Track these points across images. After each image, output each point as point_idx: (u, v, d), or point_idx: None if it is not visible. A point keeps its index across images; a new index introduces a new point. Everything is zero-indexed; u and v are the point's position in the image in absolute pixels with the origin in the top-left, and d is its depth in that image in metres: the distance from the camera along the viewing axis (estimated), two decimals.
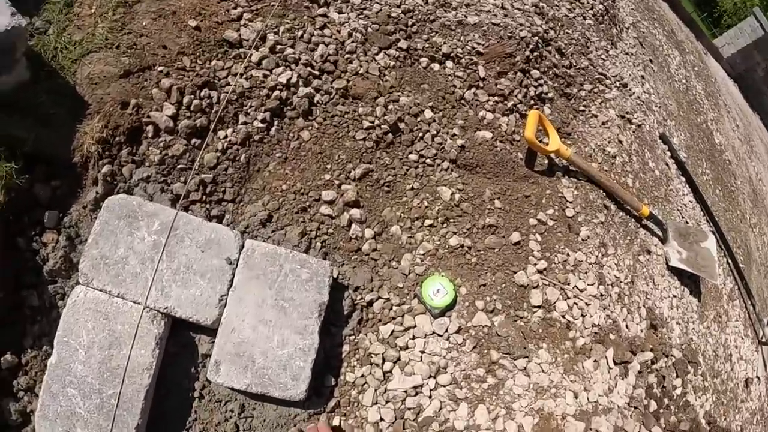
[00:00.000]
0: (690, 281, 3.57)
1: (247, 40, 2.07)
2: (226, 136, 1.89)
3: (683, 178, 4.20)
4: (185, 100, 1.82)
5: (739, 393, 3.76)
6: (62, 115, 1.64)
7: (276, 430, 1.64)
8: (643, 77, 4.38)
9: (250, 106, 1.97)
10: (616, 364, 2.39)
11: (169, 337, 1.56)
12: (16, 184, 1.53)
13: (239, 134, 1.91)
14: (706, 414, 3.07)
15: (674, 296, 3.32)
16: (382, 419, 1.78)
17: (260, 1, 2.23)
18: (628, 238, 3.02)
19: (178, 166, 1.77)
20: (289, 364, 1.56)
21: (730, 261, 4.45)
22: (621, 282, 2.77)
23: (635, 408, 2.36)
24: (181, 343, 1.60)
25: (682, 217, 3.82)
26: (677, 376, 3.01)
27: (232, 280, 1.59)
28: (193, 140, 1.81)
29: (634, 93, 3.99)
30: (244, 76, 1.99)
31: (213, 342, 1.57)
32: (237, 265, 1.61)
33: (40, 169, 1.61)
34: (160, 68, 1.82)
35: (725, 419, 3.36)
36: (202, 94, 1.87)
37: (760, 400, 4.11)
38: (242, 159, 1.91)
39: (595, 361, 2.26)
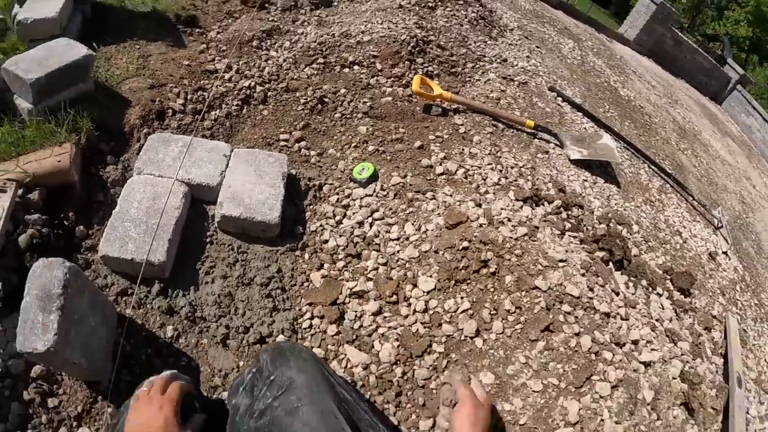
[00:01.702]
0: (603, 174, 4.20)
1: (220, 69, 3.44)
2: (215, 114, 3.17)
3: (580, 114, 5.21)
4: (189, 97, 3.14)
5: (704, 262, 4.14)
6: (115, 107, 2.92)
7: (264, 260, 2.59)
8: (528, 57, 5.54)
9: (228, 99, 3.29)
10: (518, 200, 3.04)
11: (190, 208, 2.59)
12: (92, 136, 2.68)
13: (223, 112, 3.21)
14: (659, 266, 3.45)
15: (585, 180, 3.92)
16: (338, 245, 2.75)
17: (224, 51, 3.64)
18: (522, 143, 3.99)
19: (189, 129, 3.02)
20: (266, 201, 2.60)
21: (652, 166, 5.11)
22: (520, 166, 3.51)
23: (545, 220, 2.88)
24: (197, 212, 2.64)
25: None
26: (600, 224, 3.45)
27: (227, 164, 2.71)
28: (196, 116, 3.09)
29: (517, 65, 5.15)
30: (222, 86, 3.31)
31: (216, 205, 2.62)
32: (230, 157, 2.76)
33: (104, 134, 2.77)
34: (171, 84, 3.16)
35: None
36: (198, 94, 3.21)
37: (737, 272, 4.48)
38: (227, 125, 3.18)
39: (497, 199, 3.06)
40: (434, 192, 3.03)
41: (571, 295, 2.57)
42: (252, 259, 2.61)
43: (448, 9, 5.12)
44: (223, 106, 3.28)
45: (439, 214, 2.88)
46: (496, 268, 2.58)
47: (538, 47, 6.04)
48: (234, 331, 2.41)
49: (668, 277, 3.45)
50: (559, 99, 5.11)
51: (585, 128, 4.91)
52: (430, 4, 5.00)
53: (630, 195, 4.42)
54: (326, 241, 2.79)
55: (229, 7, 4.33)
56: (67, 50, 2.83)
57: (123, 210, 2.45)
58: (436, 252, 2.67)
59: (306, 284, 2.61)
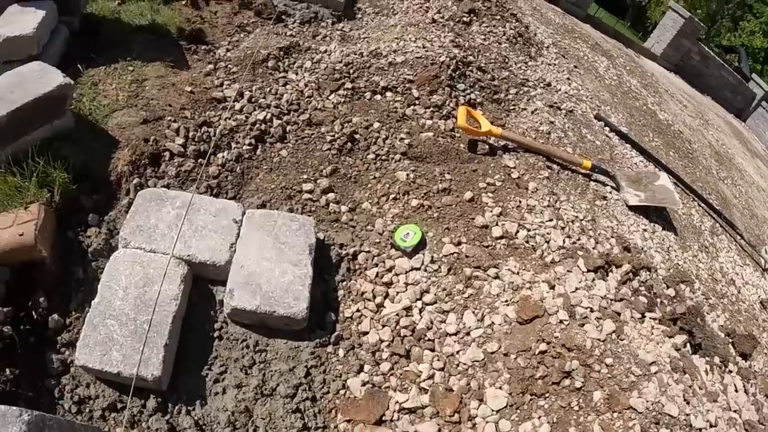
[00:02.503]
0: (659, 219, 3.87)
1: (230, 97, 2.83)
2: (223, 156, 2.56)
3: (628, 146, 4.72)
4: (190, 134, 2.53)
5: (757, 313, 3.86)
6: (99, 148, 2.34)
7: (288, 361, 2.04)
8: (569, 79, 5.07)
9: (239, 136, 2.68)
10: (589, 271, 2.65)
11: (192, 290, 2.04)
12: (68, 190, 2.11)
13: (232, 154, 2.59)
14: (721, 327, 3.21)
15: (644, 230, 3.60)
16: (381, 340, 2.18)
17: (235, 73, 3.03)
18: (579, 189, 3.50)
19: (190, 178, 2.42)
20: (290, 288, 2.03)
21: (701, 204, 4.72)
22: (580, 219, 3.12)
23: (622, 300, 2.59)
24: (202, 295, 2.07)
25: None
26: (668, 288, 3.15)
27: (238, 234, 2.13)
28: (200, 160, 2.48)
29: (560, 90, 4.65)
30: (231, 119, 2.71)
31: (225, 291, 2.05)
32: (241, 224, 2.17)
33: (84, 185, 2.20)
34: (168, 118, 2.56)
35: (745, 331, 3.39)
36: (202, 130, 2.59)
37: None
38: (237, 170, 2.57)
39: (568, 270, 2.61)
40: (497, 267, 2.46)
41: (670, 415, 2.09)
42: (273, 359, 2.03)
43: (484, 25, 4.55)
44: (233, 145, 2.68)
45: (506, 301, 2.30)
46: (582, 381, 2.01)
47: (576, 67, 5.53)
48: None
49: (731, 340, 3.16)
50: (606, 129, 4.64)
51: (635, 163, 4.47)
52: (465, 19, 4.43)
53: (686, 243, 4.01)
54: (365, 333, 2.20)
55: (240, 19, 3.72)
56: (40, 77, 2.26)
57: (105, 301, 1.89)
58: (506, 355, 2.10)
59: (343, 392, 2.03)
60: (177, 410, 1.87)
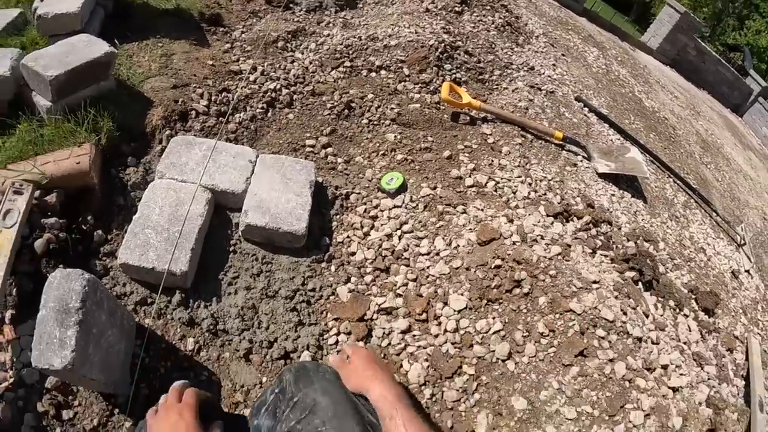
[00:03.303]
0: (630, 189, 4.14)
1: (245, 70, 3.35)
2: (240, 116, 3.07)
3: (606, 125, 5.09)
4: (212, 98, 3.04)
5: (726, 281, 4.07)
6: (137, 107, 2.82)
7: (289, 272, 2.49)
8: (554, 65, 5.45)
9: (253, 101, 3.19)
10: (548, 216, 2.96)
11: (213, 215, 2.49)
12: (112, 137, 2.56)
13: (248, 115, 3.11)
14: (685, 284, 3.42)
15: (612, 195, 3.85)
16: (366, 258, 2.65)
17: (249, 51, 3.54)
18: (551, 156, 3.90)
19: (212, 132, 2.93)
20: (292, 211, 2.50)
21: (677, 181, 5.01)
22: (549, 179, 3.45)
23: (577, 238, 2.93)
24: (221, 220, 2.54)
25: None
26: (628, 241, 3.38)
27: (252, 171, 2.61)
28: (220, 118, 2.99)
29: (543, 74, 5.05)
30: (246, 87, 3.22)
31: (241, 213, 2.51)
32: (255, 164, 2.65)
33: (124, 135, 2.65)
34: (194, 84, 3.07)
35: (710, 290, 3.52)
36: (222, 95, 3.11)
37: (759, 291, 4.39)
38: (252, 128, 3.09)
39: (528, 214, 2.96)
40: (465, 205, 2.93)
41: (606, 319, 2.49)
42: (276, 270, 2.52)
43: (475, 14, 5.02)
44: (248, 108, 3.19)
45: (470, 229, 2.77)
46: (529, 289, 2.47)
47: (563, 55, 5.92)
48: (257, 345, 2.32)
49: (693, 296, 3.40)
50: (586, 109, 5.02)
51: (612, 140, 4.82)
52: (457, 9, 4.90)
53: (656, 210, 4.36)
54: (354, 254, 2.69)
55: (253, 6, 4.24)
56: (89, 47, 2.73)
57: (144, 216, 2.36)
58: (467, 269, 2.57)
59: (332, 298, 2.52)
60: (196, 305, 2.29)
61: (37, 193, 2.26)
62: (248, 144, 3.05)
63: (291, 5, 4.35)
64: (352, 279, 2.59)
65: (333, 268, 2.61)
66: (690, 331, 3.03)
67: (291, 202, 2.56)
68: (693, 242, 4.27)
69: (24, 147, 2.42)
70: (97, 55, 2.68)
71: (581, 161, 4.13)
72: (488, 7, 5.25)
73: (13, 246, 2.03)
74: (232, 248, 2.52)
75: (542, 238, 2.75)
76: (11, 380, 1.88)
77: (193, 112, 2.98)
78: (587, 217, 3.29)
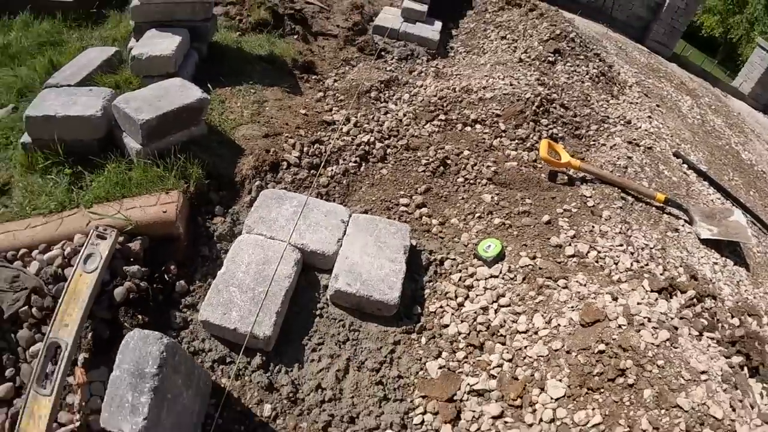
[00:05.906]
0: (732, 255, 3.83)
1: (338, 121, 3.35)
2: (332, 170, 3.06)
3: (706, 183, 4.72)
4: (304, 149, 3.05)
5: None
6: (227, 154, 2.83)
7: (377, 342, 2.38)
8: (650, 117, 5.18)
9: (346, 154, 3.17)
10: (653, 291, 2.76)
11: (300, 275, 2.43)
12: (201, 184, 2.56)
13: (340, 168, 3.10)
14: None
15: (715, 263, 3.60)
16: (459, 332, 2.51)
17: (342, 101, 3.56)
18: (652, 220, 3.64)
19: (303, 185, 2.92)
20: (385, 278, 2.41)
21: None
22: (650, 247, 3.23)
23: (682, 318, 2.69)
24: (309, 281, 2.48)
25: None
26: (733, 317, 3.12)
27: (344, 231, 2.55)
28: (312, 171, 2.99)
29: (640, 127, 4.79)
30: (339, 139, 3.21)
31: (331, 277, 2.42)
32: (347, 224, 2.59)
33: (213, 182, 2.66)
34: (286, 134, 3.09)
35: None
36: (314, 147, 3.12)
37: None
38: (344, 182, 3.06)
39: (632, 289, 2.77)
40: (566, 279, 2.73)
41: (715, 417, 2.25)
42: (364, 339, 2.42)
43: (568, 64, 4.85)
44: (341, 161, 3.17)
45: (572, 307, 2.58)
46: (635, 379, 2.24)
47: (658, 106, 5.63)
48: (338, 419, 2.21)
49: None
50: (685, 166, 4.70)
51: (712, 200, 4.49)
52: (550, 59, 4.76)
53: (759, 279, 3.97)
54: (446, 326, 2.56)
55: (345, 54, 4.29)
56: (182, 91, 2.74)
57: (229, 272, 2.33)
58: (568, 352, 2.37)
59: (421, 374, 2.38)
60: (277, 369, 2.22)
61: (120, 238, 2.25)
62: (340, 200, 3.01)
63: (383, 53, 4.37)
64: (443, 354, 2.45)
65: (424, 340, 2.49)
66: None
67: (384, 268, 2.48)
68: None
69: (111, 188, 2.44)
70: (189, 101, 2.69)
71: (683, 226, 3.85)
72: (581, 57, 5.07)
73: (92, 291, 2.01)
74: (318, 312, 2.44)
75: (649, 320, 2.51)
76: (77, 423, 1.88)
77: (285, 162, 2.98)
78: (691, 291, 3.06)
